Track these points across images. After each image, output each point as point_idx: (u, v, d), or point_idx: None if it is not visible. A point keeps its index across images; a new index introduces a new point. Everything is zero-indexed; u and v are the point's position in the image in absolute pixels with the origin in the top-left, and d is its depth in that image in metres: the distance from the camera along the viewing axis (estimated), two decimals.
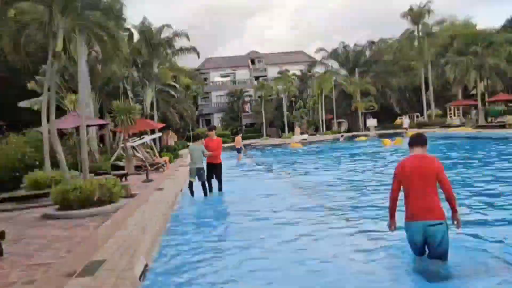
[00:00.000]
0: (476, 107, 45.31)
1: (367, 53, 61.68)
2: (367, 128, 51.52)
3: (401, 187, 5.47)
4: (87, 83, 21.89)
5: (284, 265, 6.07)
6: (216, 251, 7.09)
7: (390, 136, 36.83)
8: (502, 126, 35.82)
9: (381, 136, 40.69)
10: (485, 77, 44.25)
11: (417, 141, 5.58)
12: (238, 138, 27.47)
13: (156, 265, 6.29)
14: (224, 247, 7.37)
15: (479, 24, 58.67)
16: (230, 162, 23.26)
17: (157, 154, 24.91)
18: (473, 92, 46.26)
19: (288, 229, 8.35)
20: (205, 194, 12.93)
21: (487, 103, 44.85)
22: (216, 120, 66.76)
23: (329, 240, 7.32)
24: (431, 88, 49.80)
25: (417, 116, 53.03)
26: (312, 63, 63.87)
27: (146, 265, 5.76)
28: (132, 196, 12.62)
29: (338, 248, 6.82)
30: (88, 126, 19.61)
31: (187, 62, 51.97)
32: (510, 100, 44.30)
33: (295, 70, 62.99)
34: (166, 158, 24.58)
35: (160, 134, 31.95)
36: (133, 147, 21.79)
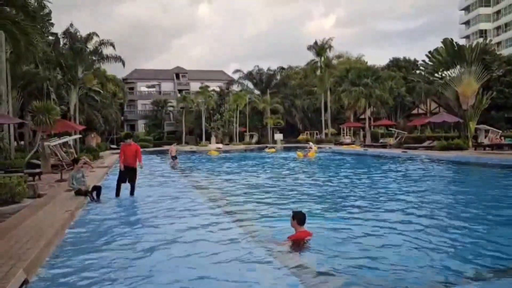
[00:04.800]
0: (363, 129, 47.45)
1: (278, 77, 62.46)
2: (274, 141, 51.76)
3: None
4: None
5: None
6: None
7: (294, 149, 37.17)
8: (384, 146, 37.64)
9: (286, 148, 40.82)
10: (372, 104, 46.58)
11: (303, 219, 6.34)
12: (173, 147, 26.01)
13: (41, 278, 4.86)
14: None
15: (369, 61, 62.60)
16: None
17: (75, 155, 22.44)
18: (362, 116, 48.44)
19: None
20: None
21: (372, 126, 47.21)
22: (141, 126, 64.52)
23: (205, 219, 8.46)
24: (329, 110, 51.34)
25: (316, 134, 54.35)
26: (230, 81, 63.52)
27: (25, 281, 4.41)
28: (39, 196, 10.81)
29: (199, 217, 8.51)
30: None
31: (116, 72, 49.03)
32: (390, 125, 47.02)
33: (214, 86, 62.22)
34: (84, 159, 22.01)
35: (79, 136, 29.45)
36: (49, 147, 19.37)
